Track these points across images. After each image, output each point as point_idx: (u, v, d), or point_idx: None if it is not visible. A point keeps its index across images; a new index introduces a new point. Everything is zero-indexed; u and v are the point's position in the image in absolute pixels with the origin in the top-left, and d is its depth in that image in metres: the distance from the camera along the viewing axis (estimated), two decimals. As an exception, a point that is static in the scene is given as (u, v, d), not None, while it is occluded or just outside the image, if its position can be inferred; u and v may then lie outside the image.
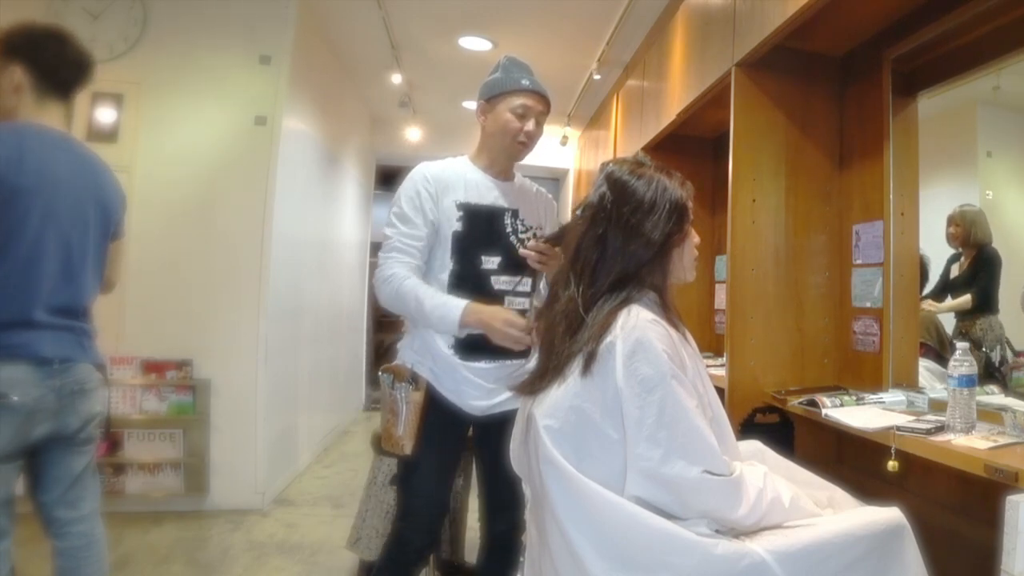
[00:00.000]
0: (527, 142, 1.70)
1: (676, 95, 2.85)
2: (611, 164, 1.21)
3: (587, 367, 1.07)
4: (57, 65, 1.59)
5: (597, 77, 4.47)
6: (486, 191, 1.71)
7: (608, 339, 1.06)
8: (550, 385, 1.13)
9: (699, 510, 1.02)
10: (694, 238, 1.23)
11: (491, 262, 1.65)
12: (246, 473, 3.27)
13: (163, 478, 3.11)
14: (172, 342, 3.18)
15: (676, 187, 1.17)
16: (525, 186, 1.83)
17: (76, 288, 1.57)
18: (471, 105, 4.91)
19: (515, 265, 1.65)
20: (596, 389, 1.06)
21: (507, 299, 1.65)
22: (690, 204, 1.20)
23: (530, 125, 1.68)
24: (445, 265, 1.64)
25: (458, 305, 1.54)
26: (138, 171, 3.21)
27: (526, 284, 1.68)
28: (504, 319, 1.52)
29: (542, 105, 1.71)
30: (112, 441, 3.07)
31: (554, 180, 7.21)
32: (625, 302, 1.11)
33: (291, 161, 3.58)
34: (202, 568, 2.57)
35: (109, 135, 3.21)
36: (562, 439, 1.06)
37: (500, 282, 1.66)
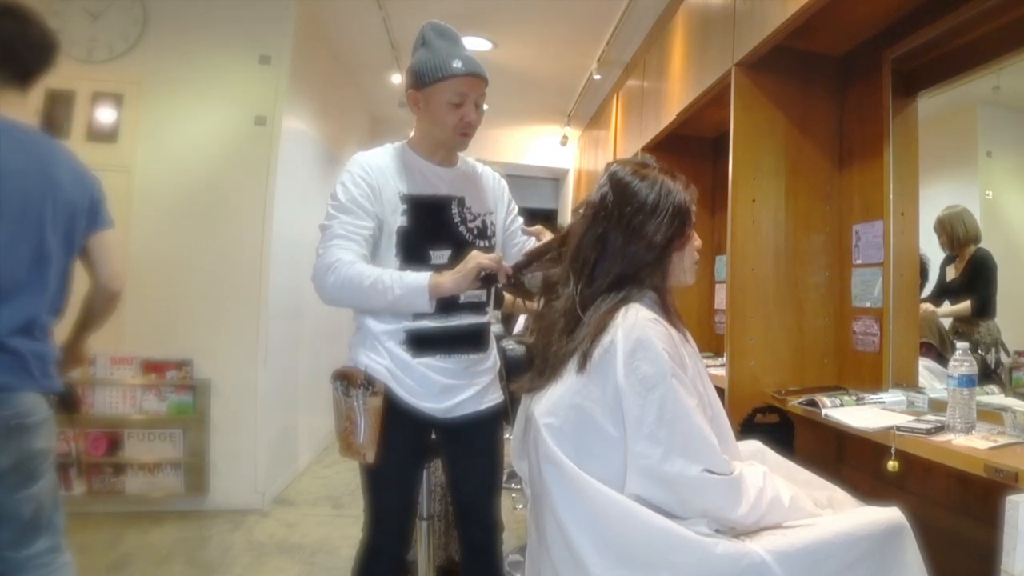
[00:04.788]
0: (468, 132, 1.55)
1: (676, 95, 2.85)
2: (615, 164, 1.21)
3: (583, 365, 1.07)
4: (17, 49, 1.36)
5: (597, 77, 4.47)
6: (430, 180, 1.56)
7: (607, 338, 1.06)
8: (548, 384, 1.13)
9: (699, 509, 1.02)
10: (696, 241, 1.22)
11: (441, 256, 1.51)
12: (246, 473, 3.27)
13: (163, 478, 3.11)
14: (172, 342, 3.18)
15: (680, 190, 1.17)
16: (469, 170, 1.67)
17: (34, 300, 1.33)
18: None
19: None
20: (597, 387, 1.06)
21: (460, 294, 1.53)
22: (693, 208, 1.19)
23: (470, 114, 1.52)
24: (390, 264, 1.49)
25: (420, 278, 1.39)
26: (138, 171, 3.22)
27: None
28: (471, 264, 1.37)
29: (479, 86, 1.52)
30: (109, 444, 3.07)
31: (554, 180, 7.21)
32: (623, 301, 1.11)
33: (291, 161, 3.58)
34: (202, 568, 2.57)
35: (109, 135, 3.21)
36: (563, 437, 1.06)
37: None
